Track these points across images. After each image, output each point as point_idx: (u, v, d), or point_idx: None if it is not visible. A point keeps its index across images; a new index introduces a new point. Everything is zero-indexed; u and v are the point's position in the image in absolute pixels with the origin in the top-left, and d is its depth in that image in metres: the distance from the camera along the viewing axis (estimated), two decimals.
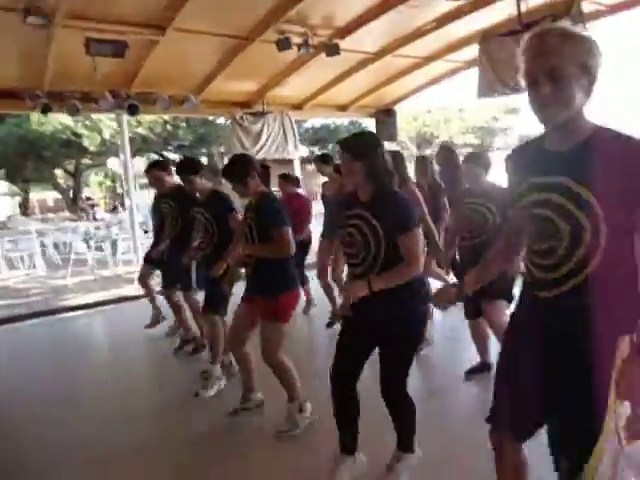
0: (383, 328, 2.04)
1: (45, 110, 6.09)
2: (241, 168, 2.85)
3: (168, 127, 14.59)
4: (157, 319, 4.88)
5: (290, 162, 8.59)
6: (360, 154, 2.03)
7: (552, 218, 1.24)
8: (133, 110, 6.42)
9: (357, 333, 2.12)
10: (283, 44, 5.42)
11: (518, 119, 31.45)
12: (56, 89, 6.05)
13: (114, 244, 8.96)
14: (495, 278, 1.63)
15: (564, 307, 1.26)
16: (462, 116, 31.17)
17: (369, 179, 2.04)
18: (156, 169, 4.16)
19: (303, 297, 4.69)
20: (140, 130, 14.10)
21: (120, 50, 4.93)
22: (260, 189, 2.85)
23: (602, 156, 1.17)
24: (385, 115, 9.27)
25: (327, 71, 7.29)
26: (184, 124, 14.76)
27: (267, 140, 7.77)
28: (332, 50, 5.73)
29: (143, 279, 4.64)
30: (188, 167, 3.65)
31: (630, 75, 29.79)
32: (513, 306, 1.85)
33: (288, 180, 5.21)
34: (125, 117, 7.25)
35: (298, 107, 8.49)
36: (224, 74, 6.71)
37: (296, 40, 5.53)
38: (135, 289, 6.05)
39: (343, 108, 9.13)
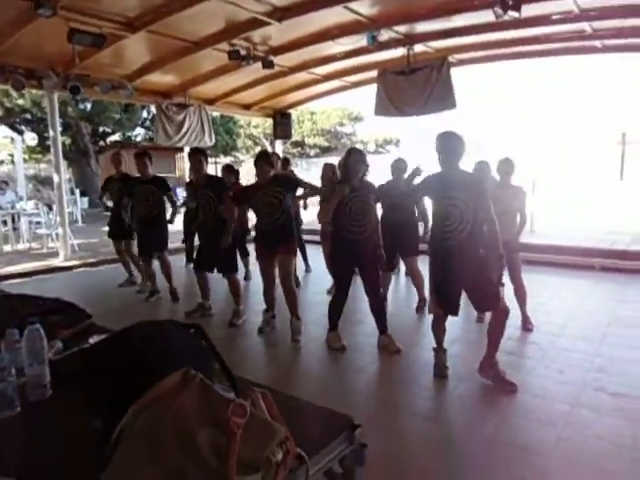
0: None
1: None
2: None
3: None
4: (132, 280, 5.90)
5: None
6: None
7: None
8: (75, 91, 6.83)
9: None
10: (234, 55, 6.60)
11: (361, 126, 35.75)
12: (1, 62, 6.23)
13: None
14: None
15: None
16: (314, 119, 33.93)
17: None
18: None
19: None
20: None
21: (99, 42, 5.57)
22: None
23: None
24: (281, 117, 10.82)
25: (242, 76, 8.56)
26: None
27: (188, 130, 8.69)
28: (268, 64, 7.09)
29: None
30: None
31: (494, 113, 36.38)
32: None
33: (232, 171, 6.42)
34: (55, 96, 7.47)
35: (211, 102, 9.54)
36: (160, 68, 7.55)
37: (242, 52, 6.75)
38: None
39: (247, 107, 10.44)
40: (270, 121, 32.35)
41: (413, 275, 5.03)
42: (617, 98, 29.52)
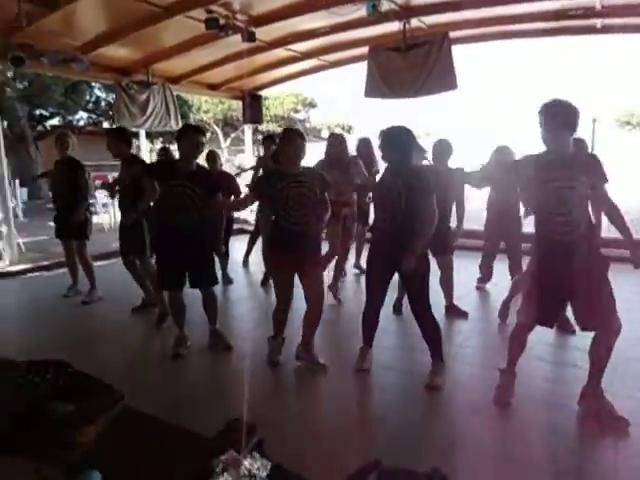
0: None
1: None
2: None
3: None
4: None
5: None
6: None
7: None
8: (18, 62, 5.70)
9: None
10: (212, 23, 5.71)
11: (315, 112, 35.17)
12: None
13: None
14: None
15: None
16: (267, 104, 32.95)
17: None
18: None
19: None
20: None
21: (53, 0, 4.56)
22: None
23: None
24: (251, 99, 9.92)
25: (211, 52, 7.63)
26: None
27: (152, 111, 7.68)
28: (249, 36, 6.25)
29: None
30: None
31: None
32: None
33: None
34: None
35: (175, 81, 8.52)
36: (120, 39, 6.50)
37: (221, 21, 5.87)
38: None
39: (214, 87, 9.47)
40: (220, 107, 31.16)
41: (447, 277, 4.49)
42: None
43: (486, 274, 5.28)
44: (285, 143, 3.26)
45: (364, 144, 5.71)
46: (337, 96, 45.19)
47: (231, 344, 3.82)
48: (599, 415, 2.62)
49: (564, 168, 2.55)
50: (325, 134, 37.63)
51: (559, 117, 2.51)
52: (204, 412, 2.75)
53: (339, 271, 5.23)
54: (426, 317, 3.21)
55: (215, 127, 28.52)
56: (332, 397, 3.17)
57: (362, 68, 8.02)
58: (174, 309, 3.80)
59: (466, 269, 5.26)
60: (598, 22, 6.51)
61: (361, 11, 5.77)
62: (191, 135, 3.50)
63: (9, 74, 11.39)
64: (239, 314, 4.89)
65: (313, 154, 7.03)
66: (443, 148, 4.23)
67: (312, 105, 34.16)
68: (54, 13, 5.34)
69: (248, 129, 10.78)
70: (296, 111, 33.58)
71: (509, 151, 4.73)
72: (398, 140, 3.10)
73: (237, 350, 3.81)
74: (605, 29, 6.71)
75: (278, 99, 31.24)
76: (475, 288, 5.37)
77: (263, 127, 31.10)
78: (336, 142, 4.87)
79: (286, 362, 3.54)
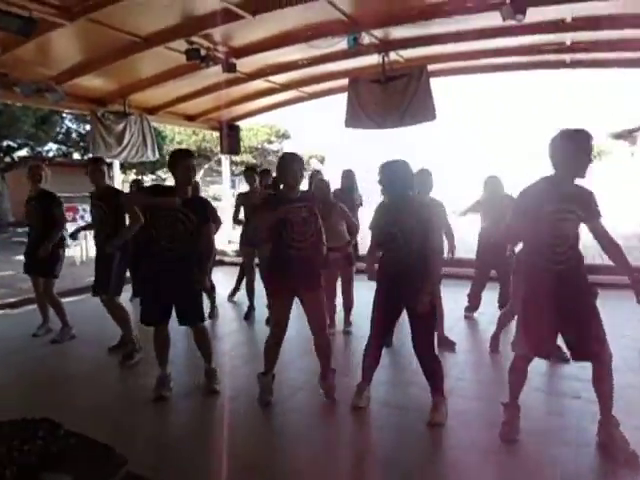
0: None
1: None
2: None
3: None
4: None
5: None
6: None
7: None
8: None
9: None
10: (193, 54, 5.67)
11: (288, 143, 35.62)
12: None
13: None
14: None
15: None
16: (241, 135, 33.07)
17: None
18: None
19: None
20: None
21: (27, 29, 4.42)
22: None
23: None
24: (229, 129, 9.89)
25: (189, 83, 7.59)
26: None
27: (129, 142, 7.52)
28: (230, 68, 6.23)
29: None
30: None
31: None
32: None
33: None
34: None
35: (152, 112, 8.41)
36: (96, 69, 6.39)
37: (202, 52, 5.83)
38: None
39: (191, 118, 9.41)
40: (194, 138, 31.14)
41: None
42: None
43: (474, 303, 5.24)
44: (282, 168, 3.20)
45: (347, 177, 5.70)
46: (309, 127, 45.97)
47: (217, 389, 3.59)
48: (612, 450, 2.53)
49: (563, 199, 2.54)
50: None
51: (578, 144, 2.51)
52: (192, 466, 2.56)
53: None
54: (431, 356, 3.11)
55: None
56: (330, 437, 3.00)
57: (336, 100, 8.16)
58: (158, 345, 3.56)
59: (452, 298, 5.20)
60: (567, 57, 6.81)
61: (341, 44, 5.83)
62: (186, 160, 3.39)
63: None
64: (226, 350, 4.65)
65: None
66: (424, 178, 4.19)
67: (285, 136, 34.62)
68: (29, 42, 5.22)
69: (225, 159, 10.70)
70: (270, 142, 33.92)
71: (498, 181, 4.83)
72: (399, 174, 3.05)
73: (225, 389, 3.59)
74: (573, 64, 7.04)
75: (252, 130, 31.56)
76: (463, 317, 5.31)
77: (237, 158, 31.32)
78: (324, 187, 4.74)
79: (277, 402, 3.35)
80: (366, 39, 5.82)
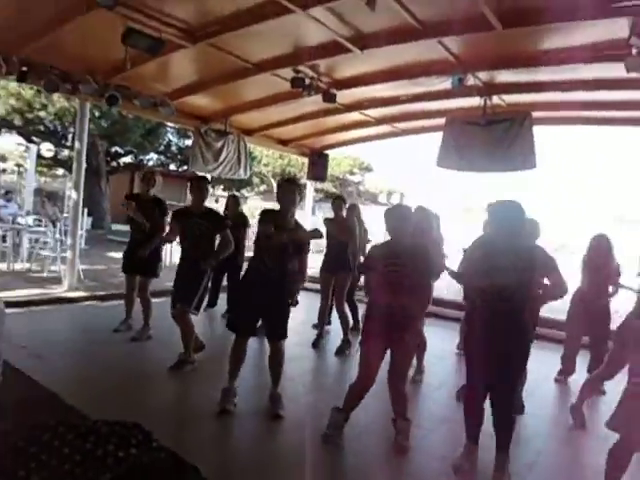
0: None
1: (21, 78, 5.42)
2: None
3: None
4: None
5: None
6: None
7: None
8: (113, 101, 6.05)
9: None
10: (298, 82, 5.89)
11: (370, 176, 35.94)
12: (36, 60, 5.47)
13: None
14: None
15: None
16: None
17: None
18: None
19: None
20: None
21: (156, 48, 4.82)
22: None
23: None
24: (318, 157, 10.11)
25: (287, 109, 7.86)
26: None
27: (225, 159, 7.91)
28: (330, 98, 6.38)
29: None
30: None
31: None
32: None
33: None
34: (88, 106, 6.70)
35: (249, 133, 8.82)
36: (205, 90, 6.84)
37: (307, 81, 6.04)
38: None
39: (284, 143, 9.74)
40: (280, 162, 32.33)
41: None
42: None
43: (568, 367, 4.83)
44: (398, 223, 3.23)
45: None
46: (390, 162, 46.21)
47: (282, 414, 3.54)
48: None
49: None
50: (382, 198, 38.07)
51: None
52: None
53: None
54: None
55: (272, 180, 29.45)
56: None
57: (422, 138, 8.05)
58: (235, 356, 3.63)
59: (544, 361, 4.84)
60: None
61: (444, 83, 5.78)
62: (294, 190, 3.59)
63: (96, 113, 12.26)
64: (291, 376, 4.58)
65: (368, 217, 7.00)
66: (533, 228, 3.96)
67: (368, 169, 34.92)
68: (152, 60, 5.69)
69: (310, 186, 10.90)
70: (352, 173, 34.36)
71: (606, 240, 4.48)
72: (509, 216, 2.88)
73: (289, 415, 3.52)
74: None
75: (335, 160, 32.10)
76: (553, 380, 4.92)
77: (318, 185, 32.04)
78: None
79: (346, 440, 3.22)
80: (471, 80, 5.72)
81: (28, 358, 4.06)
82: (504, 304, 2.79)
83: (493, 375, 2.87)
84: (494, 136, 6.29)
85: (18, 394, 1.23)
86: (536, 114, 6.71)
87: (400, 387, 3.25)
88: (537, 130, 6.40)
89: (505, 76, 6.00)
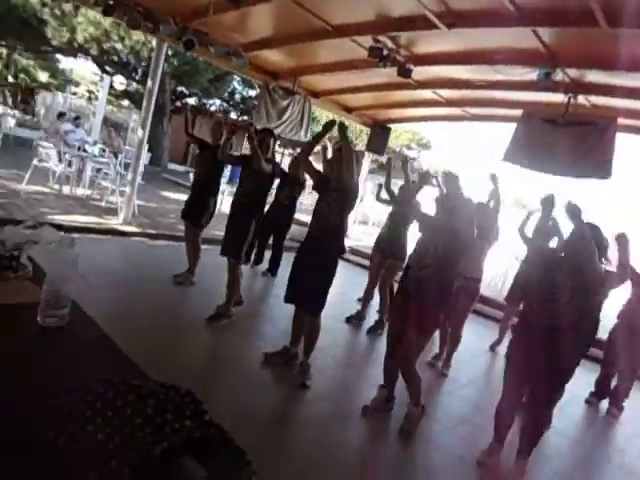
0: None
1: (107, 11, 5.51)
2: None
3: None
4: None
5: None
6: None
7: None
8: (189, 45, 6.07)
9: None
10: (376, 52, 5.71)
11: (427, 153, 34.99)
12: None
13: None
14: None
15: None
16: None
17: None
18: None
19: None
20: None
21: None
22: None
23: None
24: (381, 129, 9.90)
25: (358, 77, 7.66)
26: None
27: (288, 118, 7.86)
28: (406, 72, 6.16)
29: None
30: None
31: None
32: None
33: None
34: (165, 46, 6.78)
35: (316, 96, 8.69)
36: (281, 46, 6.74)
37: (385, 52, 5.84)
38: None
39: (349, 110, 9.57)
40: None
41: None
42: None
43: (603, 390, 4.70)
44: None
45: None
46: (449, 143, 44.71)
47: (308, 384, 3.62)
48: None
49: None
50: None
51: None
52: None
53: None
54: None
55: (328, 143, 29.17)
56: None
57: (487, 126, 7.63)
58: (294, 324, 3.83)
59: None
60: None
61: (529, 75, 5.46)
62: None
63: (169, 51, 12.39)
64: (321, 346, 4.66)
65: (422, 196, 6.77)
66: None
67: (427, 146, 33.91)
68: (234, 10, 5.63)
69: (368, 157, 10.74)
70: (409, 148, 33.50)
71: None
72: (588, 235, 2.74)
73: (315, 387, 3.62)
74: None
75: (394, 132, 31.26)
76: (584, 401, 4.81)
77: (373, 155, 31.53)
78: None
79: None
80: (559, 76, 5.37)
81: (81, 285, 4.28)
82: (560, 321, 2.72)
83: (534, 384, 2.85)
84: (572, 138, 5.93)
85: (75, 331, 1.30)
86: (620, 121, 6.28)
87: (405, 371, 3.22)
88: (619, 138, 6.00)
89: (596, 76, 5.60)
